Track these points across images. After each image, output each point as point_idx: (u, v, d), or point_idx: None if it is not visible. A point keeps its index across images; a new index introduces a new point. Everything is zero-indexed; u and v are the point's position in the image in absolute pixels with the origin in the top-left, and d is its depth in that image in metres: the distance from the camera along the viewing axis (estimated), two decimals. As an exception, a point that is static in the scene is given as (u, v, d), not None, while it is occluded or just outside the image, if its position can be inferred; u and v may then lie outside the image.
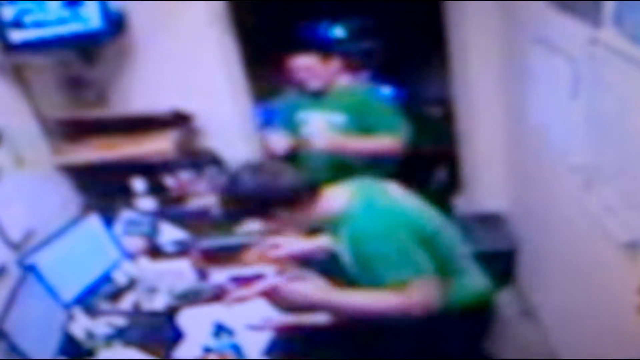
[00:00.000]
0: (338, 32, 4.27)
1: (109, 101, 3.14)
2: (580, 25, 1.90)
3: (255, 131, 3.33)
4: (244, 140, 3.22)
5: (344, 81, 2.70)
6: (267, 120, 2.91)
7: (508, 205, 3.38)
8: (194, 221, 2.75)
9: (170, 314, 2.18)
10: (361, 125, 2.61)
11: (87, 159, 2.97)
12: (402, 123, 2.63)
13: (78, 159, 2.98)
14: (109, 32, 2.78)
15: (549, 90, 2.37)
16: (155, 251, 2.61)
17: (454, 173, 3.55)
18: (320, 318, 1.88)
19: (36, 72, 2.93)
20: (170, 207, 2.90)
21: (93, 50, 2.93)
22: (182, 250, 2.58)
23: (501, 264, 3.20)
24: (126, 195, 2.92)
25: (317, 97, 2.67)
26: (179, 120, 3.07)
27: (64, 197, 2.98)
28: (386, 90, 3.92)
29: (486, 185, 3.45)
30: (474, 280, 1.87)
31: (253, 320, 1.96)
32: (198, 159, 3.08)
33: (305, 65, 2.59)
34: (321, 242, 2.06)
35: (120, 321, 2.15)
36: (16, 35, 2.68)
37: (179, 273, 2.39)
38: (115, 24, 2.82)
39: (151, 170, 2.96)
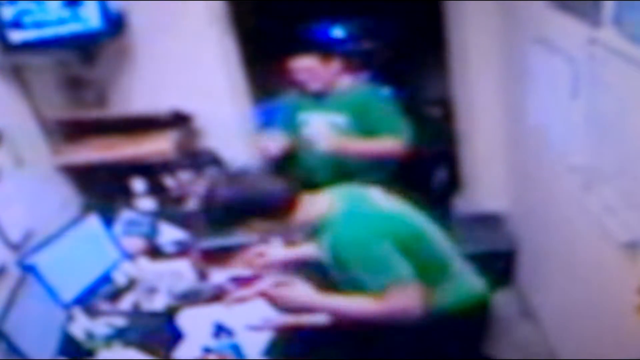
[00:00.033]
0: (338, 32, 4.27)
1: (108, 101, 3.14)
2: (579, 25, 1.90)
3: (255, 132, 3.33)
4: (244, 140, 3.22)
5: (345, 82, 2.70)
6: (267, 121, 2.90)
7: (508, 205, 3.38)
8: (194, 221, 2.74)
9: (170, 314, 2.18)
10: (363, 126, 2.60)
11: (87, 159, 2.97)
12: (404, 124, 2.62)
13: (78, 159, 2.99)
14: (109, 32, 2.78)
15: (548, 90, 2.37)
16: (155, 251, 2.61)
17: (454, 173, 3.55)
18: (319, 318, 1.88)
19: (36, 72, 2.93)
20: (170, 207, 2.90)
21: (93, 51, 2.93)
22: (181, 250, 2.58)
23: (501, 264, 3.20)
24: (126, 195, 2.92)
25: (318, 98, 2.66)
26: (178, 120, 3.07)
27: (63, 198, 2.98)
28: (386, 91, 3.92)
29: (486, 185, 3.45)
30: (468, 283, 1.87)
31: (253, 321, 1.96)
32: (198, 160, 3.08)
33: (306, 66, 2.59)
34: (306, 249, 2.06)
35: (120, 321, 2.15)
36: (16, 36, 2.68)
37: (179, 273, 2.39)
38: (115, 24, 2.82)
39: (151, 170, 2.96)
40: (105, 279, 2.40)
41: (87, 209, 2.84)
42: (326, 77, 2.62)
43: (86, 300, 2.27)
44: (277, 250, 2.17)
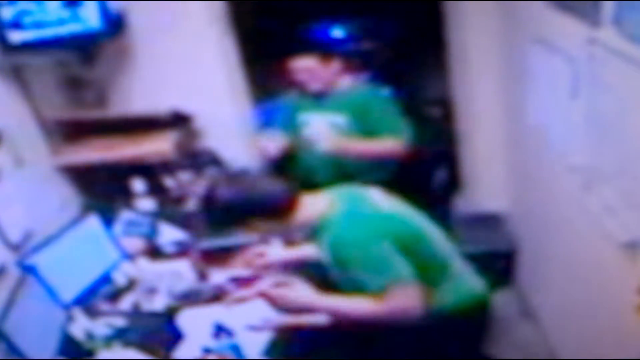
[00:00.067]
0: (338, 32, 4.27)
1: (108, 102, 3.14)
2: (579, 25, 1.90)
3: (255, 132, 3.32)
4: (244, 141, 3.22)
5: (345, 82, 2.70)
6: (267, 121, 2.90)
7: (508, 205, 3.38)
8: (194, 222, 2.74)
9: (169, 314, 2.18)
10: (363, 126, 2.60)
11: (87, 160, 2.97)
12: (404, 124, 2.62)
13: (77, 159, 2.99)
14: (109, 33, 2.78)
15: (548, 90, 2.37)
16: (154, 252, 2.61)
17: (454, 173, 3.55)
18: (319, 318, 1.88)
19: (36, 72, 2.93)
20: (170, 207, 2.90)
21: (92, 51, 2.93)
22: (181, 250, 2.58)
23: (501, 264, 3.20)
24: (126, 195, 2.92)
25: (318, 98, 2.66)
26: (178, 120, 3.07)
27: (63, 198, 2.98)
28: (386, 91, 3.91)
29: (486, 185, 3.45)
30: (468, 283, 1.87)
31: (253, 321, 1.96)
32: (198, 160, 3.08)
33: (306, 66, 2.59)
34: (306, 250, 2.07)
35: (119, 322, 2.15)
36: (15, 36, 2.68)
37: (179, 274, 2.39)
38: (115, 24, 2.82)
39: (151, 171, 2.96)
40: (105, 279, 2.40)
41: (87, 209, 2.84)
42: (326, 77, 2.62)
43: (86, 301, 2.27)
44: (276, 251, 2.17)
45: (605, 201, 1.88)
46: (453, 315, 1.77)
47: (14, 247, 2.39)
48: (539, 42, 2.38)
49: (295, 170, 2.72)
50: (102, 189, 2.99)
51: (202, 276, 2.38)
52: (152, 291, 2.32)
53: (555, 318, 2.74)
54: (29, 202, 2.59)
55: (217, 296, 2.20)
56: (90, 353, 2.04)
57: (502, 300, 2.84)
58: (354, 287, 1.71)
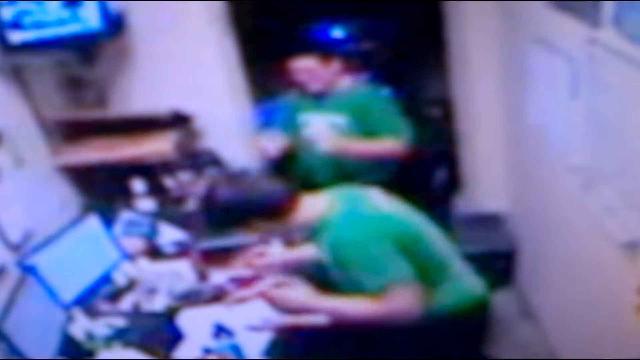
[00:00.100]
0: (337, 33, 4.27)
1: (108, 102, 3.14)
2: (579, 26, 1.90)
3: (255, 132, 3.32)
4: (244, 141, 3.22)
5: (345, 83, 2.69)
6: (267, 122, 2.90)
7: (508, 205, 3.38)
8: (194, 222, 2.74)
9: (170, 314, 2.18)
10: (363, 127, 2.60)
11: (87, 160, 2.97)
12: (405, 124, 2.62)
13: (77, 159, 2.99)
14: (109, 33, 2.78)
15: (548, 91, 2.37)
16: (155, 252, 2.61)
17: (454, 173, 3.55)
18: (319, 318, 1.88)
19: (35, 72, 2.93)
20: (170, 208, 2.90)
21: (92, 51, 2.93)
22: (181, 251, 2.58)
23: (501, 265, 3.20)
24: (126, 196, 2.92)
25: (318, 98, 2.65)
26: (178, 121, 3.07)
27: (63, 198, 2.98)
28: (386, 91, 3.91)
29: (486, 185, 3.45)
30: (467, 284, 1.87)
31: (253, 321, 1.96)
32: (198, 160, 3.08)
33: (306, 66, 2.58)
34: (306, 250, 2.07)
35: (120, 322, 2.15)
36: (15, 36, 2.68)
37: (179, 274, 2.39)
38: (115, 25, 2.82)
39: (151, 171, 2.96)
40: (105, 279, 2.40)
41: (87, 209, 2.84)
42: (326, 77, 2.62)
43: (86, 301, 2.27)
44: (277, 251, 2.17)
45: (605, 201, 1.88)
46: (452, 316, 1.77)
47: (14, 247, 2.39)
48: (539, 42, 2.38)
49: (295, 171, 2.72)
50: (102, 189, 2.99)
51: (202, 276, 2.38)
52: (152, 291, 2.32)
53: (555, 318, 2.74)
54: (29, 202, 2.59)
55: (217, 296, 2.20)
56: (90, 353, 2.04)
57: (502, 300, 2.84)
58: (353, 288, 1.71)
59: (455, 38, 3.16)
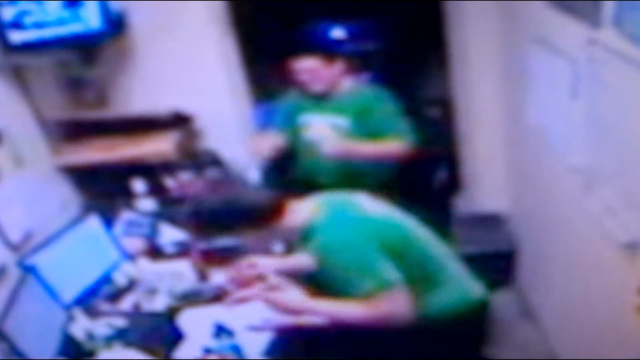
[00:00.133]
0: (337, 33, 4.26)
1: (109, 102, 3.15)
2: (579, 26, 1.91)
3: (255, 132, 3.32)
4: (244, 141, 3.22)
5: (347, 83, 2.68)
6: (268, 122, 2.90)
7: (508, 205, 3.38)
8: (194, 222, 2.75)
9: (170, 314, 2.18)
10: (366, 128, 2.58)
11: (87, 160, 2.97)
12: (407, 125, 2.61)
13: (78, 159, 2.99)
14: (109, 33, 2.79)
15: (548, 91, 2.37)
16: (155, 252, 2.61)
17: (454, 173, 3.55)
18: (319, 319, 1.88)
19: (36, 72, 2.94)
20: (171, 208, 2.90)
21: (93, 51, 2.93)
22: (182, 251, 2.58)
23: (501, 265, 3.20)
24: (126, 196, 2.92)
25: (320, 99, 2.64)
26: (179, 121, 3.07)
27: (63, 198, 2.98)
28: (387, 92, 3.91)
29: (486, 185, 3.45)
30: (464, 287, 1.86)
31: (253, 321, 1.96)
32: (198, 160, 3.08)
33: (309, 67, 2.56)
34: (298, 259, 2.06)
35: (120, 322, 2.15)
36: (16, 36, 2.68)
37: (179, 274, 2.39)
38: (115, 25, 2.82)
39: (151, 171, 2.96)
40: (106, 279, 2.40)
41: (87, 209, 2.85)
42: (329, 78, 2.60)
43: (86, 301, 2.27)
44: (268, 261, 2.16)
45: (605, 201, 1.88)
46: (450, 318, 1.77)
47: (14, 247, 2.39)
48: (539, 42, 2.38)
49: (297, 172, 2.72)
50: (103, 189, 2.99)
51: (203, 276, 2.39)
52: (152, 291, 2.32)
53: (555, 318, 2.74)
54: (29, 202, 2.59)
55: (218, 296, 2.20)
56: (90, 353, 2.04)
57: (502, 301, 2.84)
58: (343, 292, 1.71)
59: (455, 38, 3.16)
